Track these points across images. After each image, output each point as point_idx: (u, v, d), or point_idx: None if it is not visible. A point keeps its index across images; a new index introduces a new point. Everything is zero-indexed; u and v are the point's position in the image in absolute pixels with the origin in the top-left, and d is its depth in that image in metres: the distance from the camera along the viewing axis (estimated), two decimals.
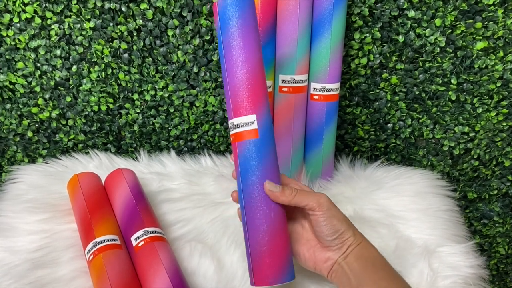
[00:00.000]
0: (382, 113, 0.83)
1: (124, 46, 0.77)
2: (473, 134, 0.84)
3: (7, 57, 0.78)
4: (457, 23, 0.74)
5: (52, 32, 0.76)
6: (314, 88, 0.72)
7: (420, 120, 0.84)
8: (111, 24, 0.75)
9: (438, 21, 0.74)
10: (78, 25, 0.75)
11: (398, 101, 0.82)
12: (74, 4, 0.74)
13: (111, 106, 0.83)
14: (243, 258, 0.62)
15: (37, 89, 0.81)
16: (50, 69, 0.79)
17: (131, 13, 0.75)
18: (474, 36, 0.75)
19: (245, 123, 0.52)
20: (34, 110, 0.83)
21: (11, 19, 0.75)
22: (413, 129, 0.85)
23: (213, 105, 0.83)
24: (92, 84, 0.80)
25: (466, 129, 0.83)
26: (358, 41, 0.77)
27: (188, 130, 0.86)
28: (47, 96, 0.82)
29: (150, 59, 0.78)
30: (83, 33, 0.76)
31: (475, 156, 0.87)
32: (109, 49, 0.77)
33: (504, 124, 0.83)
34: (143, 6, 0.74)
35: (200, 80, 0.81)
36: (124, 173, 0.69)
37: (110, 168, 0.78)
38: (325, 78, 0.71)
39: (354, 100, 0.83)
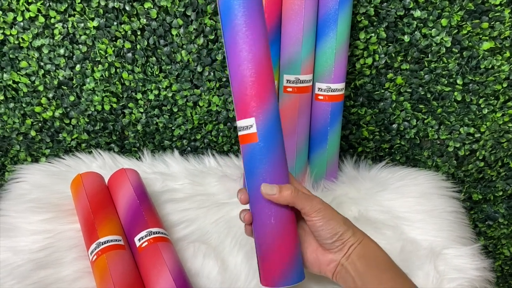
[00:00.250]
0: (387, 113, 0.83)
1: (128, 45, 0.76)
2: (479, 135, 0.83)
3: (11, 56, 0.77)
4: (464, 23, 0.73)
5: (56, 31, 0.76)
6: (319, 88, 0.72)
7: (425, 121, 0.83)
8: (115, 23, 0.75)
9: (444, 21, 0.73)
10: (82, 24, 0.75)
11: (403, 102, 0.81)
12: (78, 3, 0.73)
13: (114, 105, 0.83)
14: (247, 259, 0.62)
15: (41, 88, 0.80)
16: (54, 68, 0.79)
17: (135, 12, 0.74)
18: (481, 36, 0.74)
19: (244, 126, 0.52)
20: (37, 109, 0.82)
21: (14, 18, 0.74)
22: (418, 130, 0.84)
23: (217, 105, 0.82)
24: (95, 84, 0.80)
25: (472, 130, 0.83)
26: (364, 41, 0.76)
27: (191, 130, 0.86)
28: (50, 95, 0.81)
29: (154, 58, 0.78)
30: (87, 32, 0.76)
31: (480, 157, 0.86)
32: (113, 48, 0.77)
33: (510, 125, 0.82)
34: (147, 5, 0.73)
35: (204, 80, 0.80)
36: (127, 173, 0.68)
37: (114, 168, 0.78)
38: (330, 78, 0.70)
39: (359, 100, 0.82)
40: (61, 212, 0.67)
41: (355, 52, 0.77)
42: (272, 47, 0.69)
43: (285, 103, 0.72)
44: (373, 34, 0.75)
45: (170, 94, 0.81)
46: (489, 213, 0.94)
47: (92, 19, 0.75)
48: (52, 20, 0.75)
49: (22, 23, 0.75)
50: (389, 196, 0.73)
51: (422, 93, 0.80)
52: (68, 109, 0.83)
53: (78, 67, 0.78)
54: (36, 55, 0.77)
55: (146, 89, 0.81)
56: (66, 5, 0.74)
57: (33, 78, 0.80)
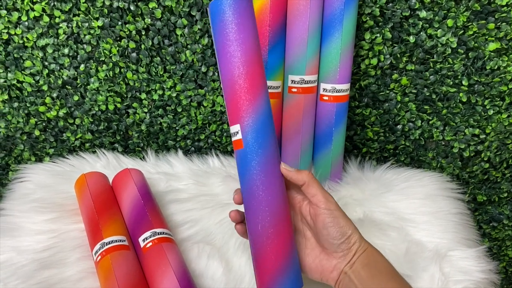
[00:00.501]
0: (392, 114, 0.83)
1: (132, 45, 0.76)
2: (484, 136, 0.83)
3: (15, 55, 0.77)
4: (470, 23, 0.73)
5: (60, 31, 0.75)
6: (324, 89, 0.71)
7: (430, 122, 0.83)
8: (120, 23, 0.75)
9: (450, 22, 0.73)
10: (86, 24, 0.75)
11: (408, 102, 0.81)
12: (83, 3, 0.73)
13: (118, 105, 0.82)
14: (252, 260, 0.61)
15: (45, 87, 0.80)
16: (58, 67, 0.79)
17: (139, 12, 0.74)
18: (487, 37, 0.74)
19: (233, 132, 0.52)
20: (42, 108, 0.82)
21: (19, 18, 0.74)
22: (423, 131, 0.84)
23: (221, 105, 0.82)
24: (99, 83, 0.80)
25: (477, 131, 0.82)
26: (369, 41, 0.76)
27: (195, 130, 0.85)
28: (54, 95, 0.81)
29: (158, 58, 0.78)
30: (91, 32, 0.76)
31: (485, 159, 0.86)
32: (117, 48, 0.77)
33: None
34: (152, 5, 0.73)
35: (208, 80, 0.80)
36: (131, 173, 0.68)
37: (118, 168, 0.78)
38: (335, 78, 0.70)
39: (364, 101, 0.82)
40: (65, 212, 0.67)
41: (360, 53, 0.77)
42: (277, 48, 0.69)
43: (290, 104, 0.71)
44: (378, 35, 0.75)
45: (174, 94, 0.81)
46: (493, 215, 0.93)
47: (97, 19, 0.75)
48: (57, 20, 0.75)
49: (26, 23, 0.75)
50: (394, 198, 0.72)
51: (427, 94, 0.80)
52: (72, 109, 0.83)
53: (82, 66, 0.78)
54: (41, 54, 0.77)
55: (150, 89, 0.81)
56: (71, 5, 0.73)
57: (37, 77, 0.80)
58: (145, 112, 0.83)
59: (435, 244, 0.64)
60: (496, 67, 0.76)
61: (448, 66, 0.77)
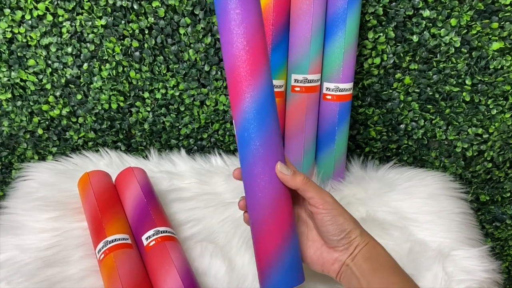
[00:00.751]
0: (395, 113, 0.82)
1: (135, 44, 0.76)
2: (487, 135, 0.83)
3: (19, 54, 0.77)
4: (473, 23, 0.73)
5: (64, 30, 0.76)
6: (327, 88, 0.71)
7: (433, 121, 0.83)
8: (123, 22, 0.75)
9: (453, 21, 0.73)
10: (90, 23, 0.75)
11: (411, 102, 0.81)
12: (86, 2, 0.73)
13: (121, 104, 0.83)
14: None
15: (48, 86, 0.80)
16: (61, 66, 0.79)
17: (142, 11, 0.74)
18: (490, 36, 0.74)
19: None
20: (45, 107, 0.82)
21: (23, 16, 0.74)
22: (426, 130, 0.84)
23: (224, 104, 0.82)
24: (103, 82, 0.80)
25: (480, 130, 0.82)
26: (372, 40, 0.76)
27: (198, 129, 0.85)
28: (57, 94, 0.81)
29: (161, 57, 0.78)
30: (95, 30, 0.76)
31: (488, 158, 0.86)
32: (120, 47, 0.77)
33: None
34: (155, 4, 0.73)
35: (211, 79, 0.80)
36: (135, 172, 0.68)
37: (121, 167, 0.78)
38: (338, 77, 0.70)
39: (367, 100, 0.82)
40: (69, 210, 0.67)
41: (363, 52, 0.77)
42: (280, 47, 0.69)
43: (293, 103, 0.71)
44: (381, 34, 0.75)
45: (177, 93, 0.81)
46: (496, 215, 0.93)
47: (100, 18, 0.75)
48: (60, 19, 0.75)
49: (30, 21, 0.75)
50: (397, 197, 0.72)
51: (430, 93, 0.80)
52: (75, 108, 0.83)
53: (85, 65, 0.79)
54: (44, 53, 0.77)
55: (153, 88, 0.81)
56: (74, 4, 0.74)
57: (40, 76, 0.80)
58: (148, 111, 0.83)
59: (438, 243, 0.64)
60: (499, 66, 0.76)
61: (451, 66, 0.77)
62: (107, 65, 0.79)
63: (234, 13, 0.49)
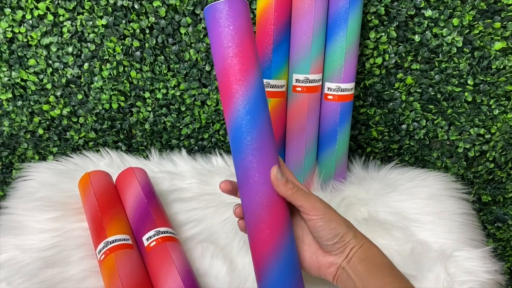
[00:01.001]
0: (396, 113, 0.82)
1: (136, 44, 0.76)
2: (489, 136, 0.83)
3: (19, 54, 0.77)
4: (475, 23, 0.72)
5: (64, 29, 0.75)
6: (328, 88, 0.71)
7: (435, 121, 0.82)
8: (124, 21, 0.75)
9: (455, 21, 0.72)
10: (90, 22, 0.75)
11: (413, 102, 0.81)
12: (87, 1, 0.73)
13: (122, 104, 0.82)
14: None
15: (49, 86, 0.80)
16: (62, 66, 0.79)
17: (143, 11, 0.74)
18: (492, 36, 0.73)
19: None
20: (45, 107, 0.82)
21: (23, 16, 0.74)
22: (428, 131, 0.83)
23: None
24: (103, 82, 0.80)
25: (482, 131, 0.82)
26: (373, 40, 0.75)
27: (199, 129, 0.85)
28: (58, 94, 0.81)
29: (162, 57, 0.78)
30: (95, 30, 0.75)
31: (491, 159, 0.85)
32: (121, 47, 0.77)
33: None
34: (156, 3, 0.73)
35: (212, 79, 0.80)
36: (135, 172, 0.68)
37: (121, 167, 0.78)
38: (340, 77, 0.70)
39: (368, 100, 0.81)
40: (69, 210, 0.67)
41: (365, 52, 0.77)
42: (281, 46, 0.69)
43: (294, 103, 0.71)
44: (383, 34, 0.75)
45: (178, 93, 0.81)
46: (498, 215, 0.93)
47: (101, 17, 0.74)
48: (61, 18, 0.75)
49: (30, 21, 0.75)
50: (399, 197, 0.72)
51: (432, 93, 0.79)
52: (76, 108, 0.83)
53: (86, 65, 0.78)
54: (45, 53, 0.77)
55: (154, 88, 0.81)
56: (75, 3, 0.73)
57: (41, 76, 0.80)
58: (149, 111, 0.83)
59: (440, 244, 0.63)
60: (502, 66, 0.75)
61: (453, 66, 0.76)
62: (108, 65, 0.78)
63: (224, 25, 0.49)
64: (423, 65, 0.77)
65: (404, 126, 0.83)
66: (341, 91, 0.71)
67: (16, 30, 0.75)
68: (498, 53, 0.75)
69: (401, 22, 0.74)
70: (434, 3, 0.72)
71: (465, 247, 0.64)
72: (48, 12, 0.74)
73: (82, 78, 0.80)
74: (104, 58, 0.78)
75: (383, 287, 0.47)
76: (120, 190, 0.67)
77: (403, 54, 0.76)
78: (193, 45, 0.77)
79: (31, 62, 0.78)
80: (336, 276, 0.51)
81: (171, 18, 0.74)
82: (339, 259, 0.50)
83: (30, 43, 0.77)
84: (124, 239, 0.58)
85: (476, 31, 0.73)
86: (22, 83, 0.80)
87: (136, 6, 0.73)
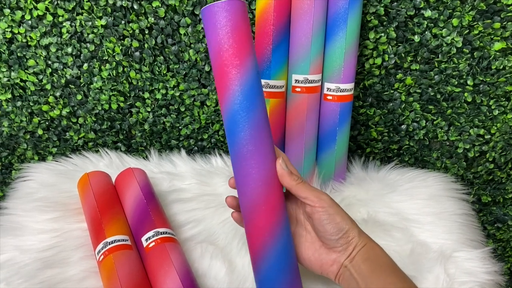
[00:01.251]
0: (396, 114, 0.82)
1: (135, 44, 0.76)
2: (489, 136, 0.83)
3: (18, 54, 0.77)
4: (475, 23, 0.72)
5: (64, 30, 0.75)
6: (328, 88, 0.71)
7: (435, 122, 0.82)
8: (123, 22, 0.75)
9: (455, 21, 0.72)
10: (90, 23, 0.75)
11: (413, 102, 0.81)
12: (86, 2, 0.73)
13: (121, 104, 0.82)
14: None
15: (48, 86, 0.80)
16: (61, 66, 0.79)
17: (143, 11, 0.74)
18: (492, 36, 0.73)
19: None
20: (45, 107, 0.82)
21: (22, 16, 0.74)
22: (427, 131, 0.83)
23: None
24: (103, 82, 0.80)
25: (482, 131, 0.82)
26: (373, 40, 0.75)
27: (198, 130, 0.85)
28: (57, 94, 0.81)
29: (162, 57, 0.78)
30: (95, 30, 0.75)
31: (490, 159, 0.85)
32: (121, 47, 0.77)
33: None
34: (155, 4, 0.73)
35: (211, 79, 0.80)
36: (135, 173, 0.68)
37: (121, 167, 0.78)
38: (339, 78, 0.70)
39: (368, 100, 0.81)
40: (68, 211, 0.67)
41: (364, 52, 0.77)
42: (281, 47, 0.69)
43: (293, 103, 0.71)
44: (382, 34, 0.75)
45: (177, 94, 0.81)
46: (498, 216, 0.93)
47: (100, 18, 0.74)
48: (60, 19, 0.75)
49: (30, 22, 0.75)
50: (398, 198, 0.72)
51: (432, 93, 0.79)
52: (76, 108, 0.83)
53: (85, 66, 0.78)
54: (44, 53, 0.77)
55: (153, 88, 0.81)
56: (74, 4, 0.73)
57: (40, 76, 0.80)
58: (148, 112, 0.83)
59: (439, 245, 0.63)
60: (501, 67, 0.75)
61: (453, 66, 0.76)
62: (107, 65, 0.78)
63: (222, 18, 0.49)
64: (423, 66, 0.77)
65: (403, 127, 0.83)
66: (340, 91, 0.71)
67: (16, 31, 0.75)
68: (497, 53, 0.74)
69: (400, 22, 0.74)
70: (434, 4, 0.72)
71: (465, 247, 0.64)
72: (47, 12, 0.74)
73: (82, 78, 0.80)
74: (104, 58, 0.78)
75: (386, 287, 0.47)
76: (119, 191, 0.67)
77: (403, 55, 0.76)
78: (192, 45, 0.76)
79: (31, 62, 0.78)
80: (338, 275, 0.51)
81: (170, 19, 0.74)
82: (342, 257, 0.50)
83: (29, 43, 0.76)
84: (123, 240, 0.58)
85: (476, 32, 0.73)
86: (22, 84, 0.80)
87: (135, 7, 0.73)
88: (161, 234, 0.58)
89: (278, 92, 0.70)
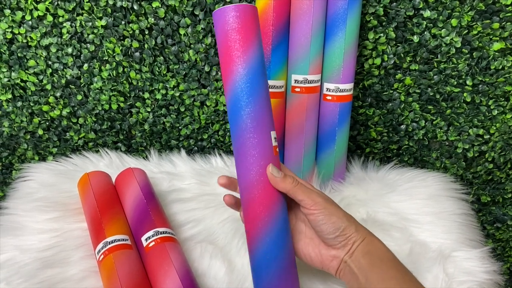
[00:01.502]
0: (395, 114, 0.82)
1: (135, 44, 0.76)
2: (488, 136, 0.83)
3: (19, 54, 0.78)
4: (474, 23, 0.73)
5: (64, 30, 0.76)
6: (327, 89, 0.71)
7: (434, 122, 0.82)
8: (123, 22, 0.75)
9: (454, 21, 0.72)
10: (90, 23, 0.75)
11: (412, 102, 0.81)
12: (86, 2, 0.73)
13: (121, 104, 0.82)
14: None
15: (48, 87, 0.80)
16: (62, 67, 0.79)
17: (143, 12, 0.74)
18: (491, 36, 0.73)
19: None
20: (45, 108, 0.82)
21: (23, 17, 0.74)
22: (427, 131, 0.83)
23: (224, 105, 0.82)
24: (103, 83, 0.80)
25: (481, 131, 0.82)
26: (372, 41, 0.76)
27: (198, 130, 0.85)
28: (58, 94, 0.81)
29: (162, 58, 0.78)
30: (95, 31, 0.76)
31: (490, 159, 0.85)
32: (121, 48, 0.77)
33: None
34: (155, 4, 0.73)
35: (211, 80, 0.80)
36: (134, 173, 0.68)
37: (121, 167, 0.78)
38: (339, 78, 0.70)
39: (367, 100, 0.82)
40: (68, 211, 0.67)
41: (363, 52, 0.77)
42: (280, 47, 0.69)
43: (293, 103, 0.71)
44: (382, 34, 0.75)
45: (177, 94, 0.81)
46: (497, 215, 0.93)
47: (100, 18, 0.75)
48: (60, 19, 0.75)
49: (30, 22, 0.75)
50: (398, 198, 0.72)
51: (431, 94, 0.79)
52: (76, 108, 0.83)
53: (85, 66, 0.78)
54: (44, 54, 0.77)
55: (153, 88, 0.81)
56: (74, 4, 0.74)
57: (41, 77, 0.80)
58: (148, 112, 0.83)
59: (438, 244, 0.63)
60: (500, 67, 0.75)
61: (452, 66, 0.77)
62: (107, 66, 0.79)
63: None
64: (422, 66, 0.77)
65: (403, 127, 0.83)
66: (340, 91, 0.71)
67: (16, 31, 0.75)
68: (496, 53, 0.75)
69: (399, 22, 0.74)
70: (433, 4, 0.72)
71: (464, 247, 0.64)
72: (48, 13, 0.74)
73: (82, 78, 0.80)
74: (104, 59, 0.78)
75: (385, 280, 0.47)
76: (119, 191, 0.67)
77: (402, 55, 0.76)
78: (192, 46, 0.77)
79: (31, 63, 0.78)
80: (338, 270, 0.51)
81: (170, 19, 0.75)
82: (341, 252, 0.50)
83: (29, 44, 0.77)
84: (123, 240, 0.58)
85: (475, 32, 0.73)
86: (22, 84, 0.81)
87: (135, 7, 0.73)
88: (161, 233, 0.59)
89: (277, 92, 0.71)
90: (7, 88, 0.81)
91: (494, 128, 0.82)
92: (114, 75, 0.79)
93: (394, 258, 0.50)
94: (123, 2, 0.73)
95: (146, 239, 0.58)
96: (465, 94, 0.79)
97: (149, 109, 0.83)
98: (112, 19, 0.75)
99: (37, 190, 0.71)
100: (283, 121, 0.73)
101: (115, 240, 0.57)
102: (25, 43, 0.77)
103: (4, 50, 0.77)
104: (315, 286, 0.58)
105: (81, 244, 0.62)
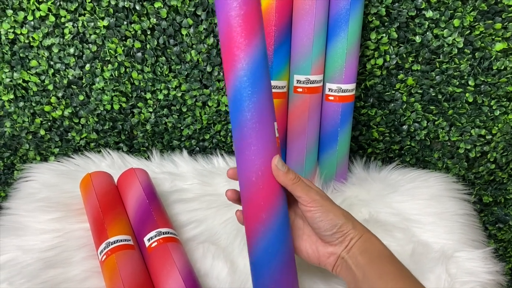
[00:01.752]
0: (398, 114, 0.82)
1: (137, 45, 0.76)
2: (490, 137, 0.83)
3: (21, 55, 0.78)
4: (476, 23, 0.73)
5: (66, 31, 0.76)
6: (330, 89, 0.71)
7: (436, 122, 0.82)
8: (125, 22, 0.75)
9: (456, 22, 0.72)
10: (92, 24, 0.75)
11: (414, 103, 0.81)
12: (88, 2, 0.73)
13: (123, 105, 0.83)
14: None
15: (50, 87, 0.80)
16: (64, 67, 0.79)
17: (145, 12, 0.74)
18: (493, 37, 0.73)
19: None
20: (47, 108, 0.82)
21: (25, 17, 0.74)
22: (429, 131, 0.83)
23: (226, 105, 0.82)
24: (105, 83, 0.80)
25: (483, 131, 0.82)
26: (374, 41, 0.75)
27: (200, 130, 0.85)
28: (60, 95, 0.81)
29: (164, 58, 0.78)
30: (97, 31, 0.76)
31: (492, 159, 0.85)
32: (123, 48, 0.77)
33: None
34: (157, 4, 0.73)
35: (213, 80, 0.80)
36: (137, 173, 0.68)
37: (123, 168, 0.78)
38: (341, 78, 0.70)
39: (369, 101, 0.81)
40: (70, 211, 0.67)
41: (366, 53, 0.77)
42: (282, 47, 0.69)
43: (295, 104, 0.71)
44: (384, 35, 0.75)
45: (179, 94, 0.81)
46: (499, 216, 0.93)
47: (102, 19, 0.75)
48: (63, 19, 0.75)
49: (32, 22, 0.75)
50: (400, 198, 0.72)
51: (433, 94, 0.79)
52: (78, 108, 0.83)
53: (87, 66, 0.78)
54: (46, 54, 0.78)
55: (155, 88, 0.81)
56: (77, 4, 0.74)
57: (43, 77, 0.80)
58: (150, 112, 0.83)
59: (441, 245, 0.63)
60: (502, 67, 0.75)
61: (454, 66, 0.76)
62: (109, 66, 0.79)
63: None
64: (424, 66, 0.77)
65: (405, 127, 0.83)
66: (342, 92, 0.71)
67: (18, 32, 0.75)
68: (499, 54, 0.75)
69: (402, 23, 0.74)
70: (435, 4, 0.72)
71: (466, 247, 0.64)
72: (50, 13, 0.74)
73: (84, 79, 0.80)
74: (106, 59, 0.78)
75: (382, 276, 0.47)
76: (122, 191, 0.67)
77: (404, 55, 0.76)
78: (194, 46, 0.77)
79: (33, 63, 0.78)
80: (335, 266, 0.51)
81: (172, 19, 0.75)
82: (338, 249, 0.51)
83: (31, 44, 0.77)
84: (125, 240, 0.58)
85: (477, 32, 0.73)
86: (24, 84, 0.81)
87: (137, 7, 0.73)
88: (163, 234, 0.59)
89: (280, 92, 0.71)
90: (9, 88, 0.81)
91: (496, 128, 0.81)
92: (116, 75, 0.79)
93: (391, 255, 0.50)
94: (125, 3, 0.73)
95: (149, 240, 0.58)
96: (467, 95, 0.79)
97: (151, 110, 0.83)
98: (114, 19, 0.75)
99: (39, 191, 0.71)
100: (285, 122, 0.73)
101: (117, 240, 0.57)
102: (27, 43, 0.77)
103: (6, 51, 0.77)
104: (316, 286, 0.58)
105: (84, 244, 0.62)
